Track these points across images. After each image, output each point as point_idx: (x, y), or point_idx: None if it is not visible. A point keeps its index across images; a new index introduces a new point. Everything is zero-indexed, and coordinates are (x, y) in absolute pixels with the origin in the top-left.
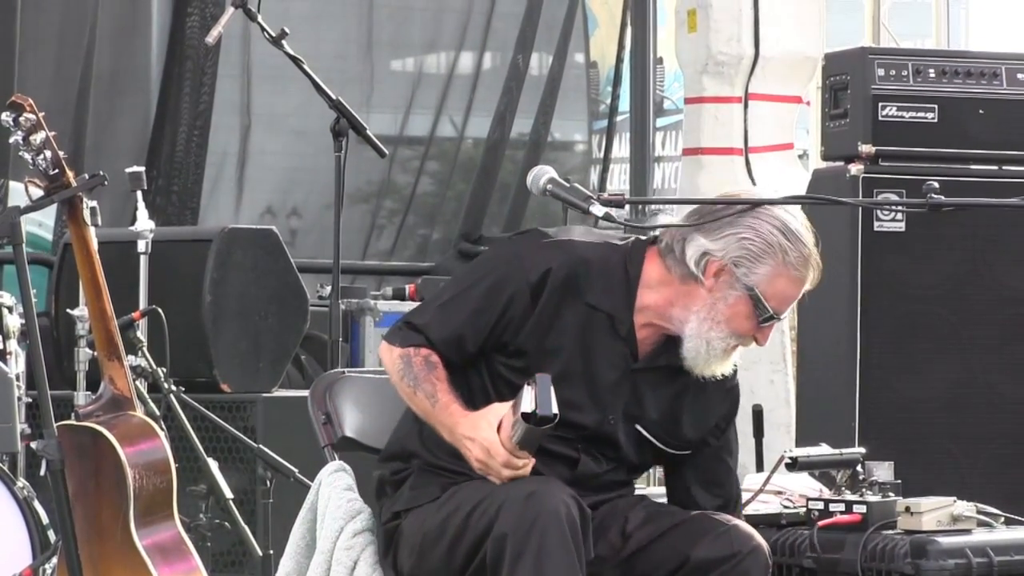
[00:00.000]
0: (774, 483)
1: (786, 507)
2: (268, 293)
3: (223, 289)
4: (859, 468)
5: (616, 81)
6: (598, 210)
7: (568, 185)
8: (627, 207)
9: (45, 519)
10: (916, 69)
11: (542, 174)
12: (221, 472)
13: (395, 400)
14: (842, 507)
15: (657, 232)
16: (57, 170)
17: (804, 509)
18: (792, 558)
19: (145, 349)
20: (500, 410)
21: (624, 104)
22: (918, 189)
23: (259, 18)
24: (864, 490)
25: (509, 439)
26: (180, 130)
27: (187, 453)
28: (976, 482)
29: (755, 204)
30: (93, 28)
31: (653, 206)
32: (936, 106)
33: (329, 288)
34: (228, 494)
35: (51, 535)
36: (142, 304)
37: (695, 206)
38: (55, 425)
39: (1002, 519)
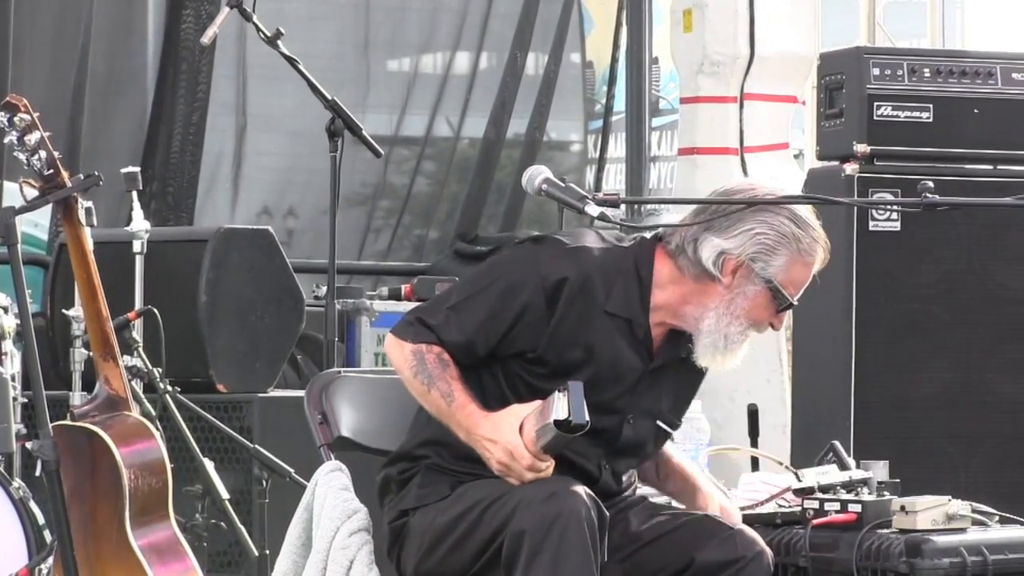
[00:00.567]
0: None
1: (781, 506)
2: (264, 293)
3: (219, 289)
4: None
5: (612, 81)
6: (593, 210)
7: (563, 185)
8: (622, 207)
9: (41, 519)
10: (911, 69)
11: (538, 174)
12: (217, 472)
13: (391, 400)
14: (837, 506)
15: (662, 231)
16: (52, 170)
17: (800, 508)
18: (787, 557)
19: (141, 349)
20: (521, 412)
21: (620, 104)
22: (913, 189)
23: (254, 18)
24: (859, 489)
25: (533, 443)
26: (175, 130)
27: (183, 453)
28: (971, 481)
29: (749, 204)
30: (88, 28)
31: (649, 205)
32: (931, 106)
33: (325, 288)
34: (224, 494)
35: (47, 535)
36: (138, 304)
37: (699, 206)
38: (51, 425)
39: (997, 518)
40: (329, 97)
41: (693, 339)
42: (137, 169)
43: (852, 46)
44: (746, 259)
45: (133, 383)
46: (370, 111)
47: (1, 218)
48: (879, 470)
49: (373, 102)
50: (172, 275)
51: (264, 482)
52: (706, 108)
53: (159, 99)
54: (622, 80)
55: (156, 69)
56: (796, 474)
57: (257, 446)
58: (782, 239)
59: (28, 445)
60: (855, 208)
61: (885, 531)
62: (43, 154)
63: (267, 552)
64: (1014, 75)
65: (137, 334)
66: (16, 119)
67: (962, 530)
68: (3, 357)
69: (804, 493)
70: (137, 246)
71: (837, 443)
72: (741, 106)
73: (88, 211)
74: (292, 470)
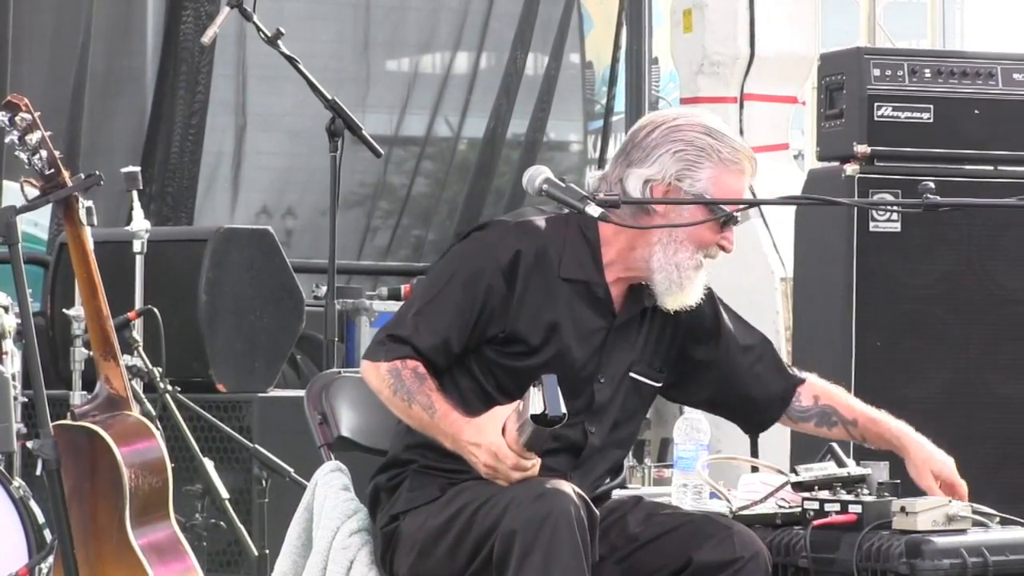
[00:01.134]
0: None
1: (781, 507)
2: (264, 293)
3: (219, 289)
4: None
5: (612, 81)
6: (594, 210)
7: (564, 185)
8: (623, 207)
9: (41, 519)
10: (912, 69)
11: (538, 174)
12: (217, 472)
13: None
14: (837, 507)
15: (591, 189)
16: (53, 170)
17: (800, 509)
18: (787, 558)
19: (141, 349)
20: (502, 413)
21: (620, 104)
22: (913, 189)
23: (255, 18)
24: (859, 490)
25: (516, 441)
26: (175, 130)
27: (183, 453)
28: (971, 482)
29: (751, 204)
30: (88, 27)
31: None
32: (931, 106)
33: (325, 288)
34: (224, 494)
35: (47, 535)
36: (138, 304)
37: (618, 150)
38: (51, 425)
39: (997, 519)
40: (329, 97)
41: (650, 284)
42: (137, 169)
43: (852, 46)
44: (671, 180)
45: (133, 382)
46: (370, 111)
47: (2, 217)
48: (879, 471)
49: (373, 102)
50: (172, 275)
51: (264, 482)
52: (706, 108)
53: (159, 99)
54: (622, 80)
55: (156, 69)
56: (794, 470)
57: (257, 446)
58: (701, 152)
59: (29, 444)
60: (855, 209)
61: (885, 532)
62: (44, 153)
63: (267, 552)
64: (1015, 76)
65: (137, 334)
66: (17, 118)
67: (962, 531)
68: (4, 356)
69: (802, 488)
70: (137, 246)
71: (835, 444)
72: (741, 106)
73: (88, 210)
74: (292, 470)
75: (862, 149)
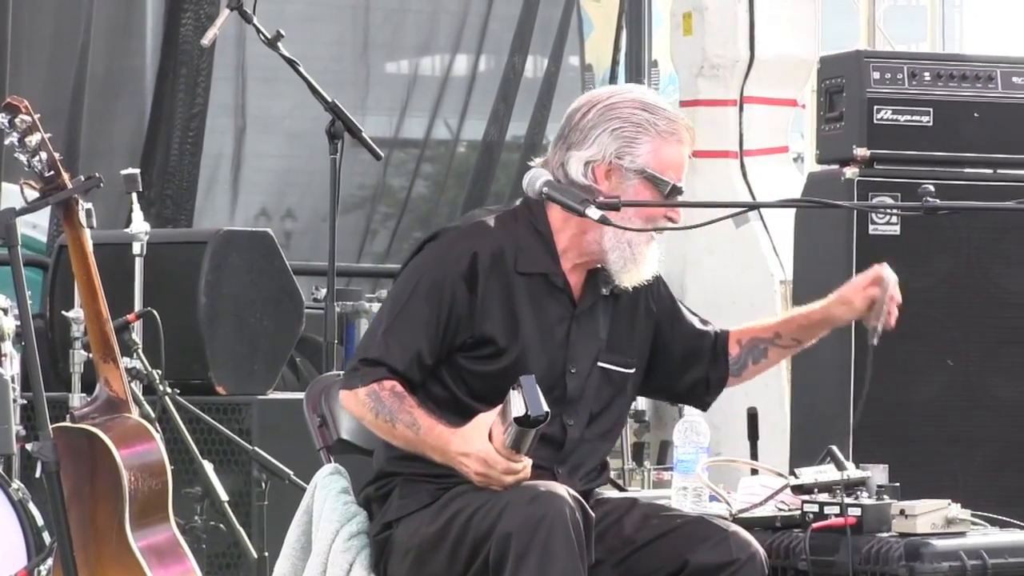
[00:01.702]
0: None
1: (781, 509)
2: (263, 295)
3: (218, 291)
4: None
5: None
6: (594, 213)
7: (565, 188)
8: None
9: (40, 521)
10: (911, 72)
11: (538, 177)
12: (216, 474)
13: None
14: (836, 510)
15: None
16: (53, 172)
17: (799, 512)
18: (787, 560)
19: (140, 351)
20: (487, 420)
21: None
22: (913, 192)
23: (255, 20)
24: (858, 493)
25: (503, 445)
26: (175, 132)
27: (182, 455)
28: (970, 485)
29: (751, 207)
30: (87, 29)
31: None
32: (931, 109)
33: (324, 290)
34: (223, 496)
35: (46, 537)
36: (137, 306)
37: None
38: (50, 427)
39: (996, 522)
40: (329, 99)
41: (605, 265)
42: (137, 171)
43: (852, 50)
44: (612, 158)
45: (133, 385)
46: (369, 113)
47: (2, 219)
48: (879, 474)
49: (372, 104)
50: (172, 277)
51: (263, 484)
52: (706, 111)
53: (158, 101)
54: (622, 83)
55: (155, 71)
56: (793, 473)
57: (256, 448)
58: (639, 127)
59: (28, 446)
60: (855, 212)
61: (884, 535)
62: (44, 156)
63: (266, 554)
64: (1014, 79)
65: (137, 336)
66: (17, 120)
67: (961, 534)
68: (3, 358)
69: (802, 491)
70: (137, 248)
71: (835, 447)
72: (741, 109)
73: (88, 212)
74: (291, 472)
75: (862, 152)
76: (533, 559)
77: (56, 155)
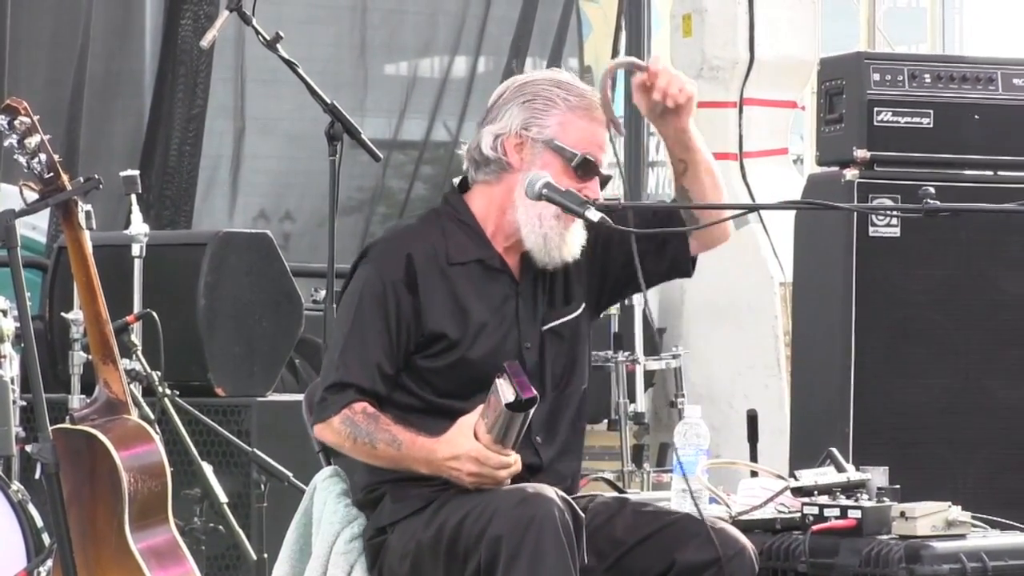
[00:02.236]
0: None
1: (781, 512)
2: (262, 297)
3: (217, 293)
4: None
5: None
6: (594, 215)
7: (564, 190)
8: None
9: (40, 523)
10: (911, 74)
11: (538, 178)
12: (215, 476)
13: None
14: (837, 512)
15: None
16: (52, 173)
17: (799, 514)
18: (787, 563)
19: (139, 353)
20: (469, 421)
21: (619, 108)
22: (913, 194)
23: (254, 21)
24: (859, 495)
25: (491, 441)
26: (174, 133)
27: (181, 457)
28: (971, 487)
29: (751, 209)
30: (86, 30)
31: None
32: (931, 111)
33: (323, 292)
34: (222, 498)
35: (46, 539)
36: (136, 308)
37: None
38: (50, 429)
39: (997, 524)
40: (328, 101)
41: (524, 244)
42: (136, 172)
43: (852, 51)
44: (520, 130)
45: (132, 386)
46: (368, 115)
47: (1, 221)
48: (879, 476)
49: (371, 106)
50: (171, 279)
51: (262, 486)
52: (705, 113)
53: (157, 102)
54: (621, 85)
55: (154, 72)
56: (793, 475)
57: (255, 450)
58: (548, 100)
59: (27, 448)
60: (855, 214)
61: (885, 537)
62: (43, 157)
63: (265, 556)
64: (1015, 81)
65: (136, 337)
66: (16, 122)
67: (962, 536)
68: (2, 360)
69: (802, 493)
70: (136, 249)
71: (835, 450)
72: (740, 111)
73: (87, 214)
74: (290, 474)
75: (862, 154)
76: (524, 561)
77: (55, 156)
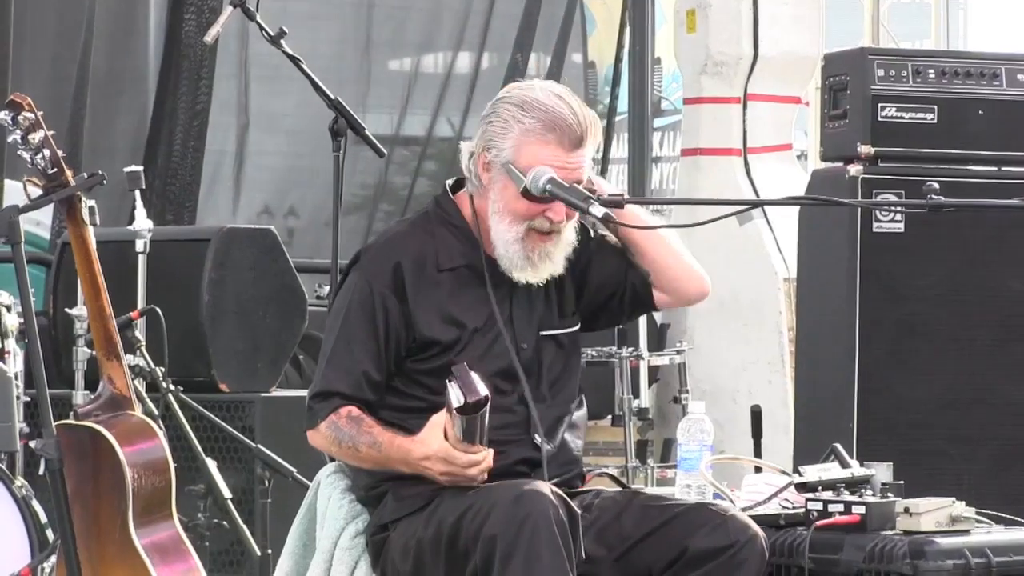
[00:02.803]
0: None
1: (785, 507)
2: (266, 293)
3: (221, 289)
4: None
5: (614, 81)
6: (597, 211)
7: (567, 185)
8: (626, 207)
9: (44, 518)
10: (916, 70)
11: (542, 174)
12: (219, 472)
13: None
14: (841, 508)
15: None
16: (56, 169)
17: (803, 509)
18: (790, 558)
19: (143, 348)
20: (439, 419)
21: (622, 104)
22: (917, 190)
23: (257, 17)
24: (863, 491)
25: (458, 440)
26: (177, 129)
27: (185, 453)
28: (975, 482)
29: (755, 205)
30: (90, 26)
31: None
32: (935, 107)
33: (327, 288)
34: (226, 494)
35: (50, 534)
36: (140, 303)
37: None
38: (54, 424)
39: (1001, 520)
40: (332, 96)
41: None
42: (140, 168)
43: (856, 47)
44: (483, 151)
45: (136, 382)
46: (371, 111)
47: (5, 217)
48: (883, 472)
49: (374, 102)
50: (174, 274)
51: (266, 482)
52: (709, 109)
53: (161, 98)
54: (625, 81)
55: (158, 68)
56: (797, 471)
57: (259, 446)
58: (506, 124)
59: (31, 444)
60: (859, 209)
61: (889, 533)
62: (47, 153)
63: (269, 552)
64: (1019, 76)
65: (140, 333)
66: (20, 118)
67: (966, 532)
68: (6, 356)
69: (806, 489)
70: (140, 245)
71: (839, 445)
72: (744, 107)
73: (91, 210)
74: (294, 470)
75: (866, 150)
76: (518, 561)
77: (59, 152)
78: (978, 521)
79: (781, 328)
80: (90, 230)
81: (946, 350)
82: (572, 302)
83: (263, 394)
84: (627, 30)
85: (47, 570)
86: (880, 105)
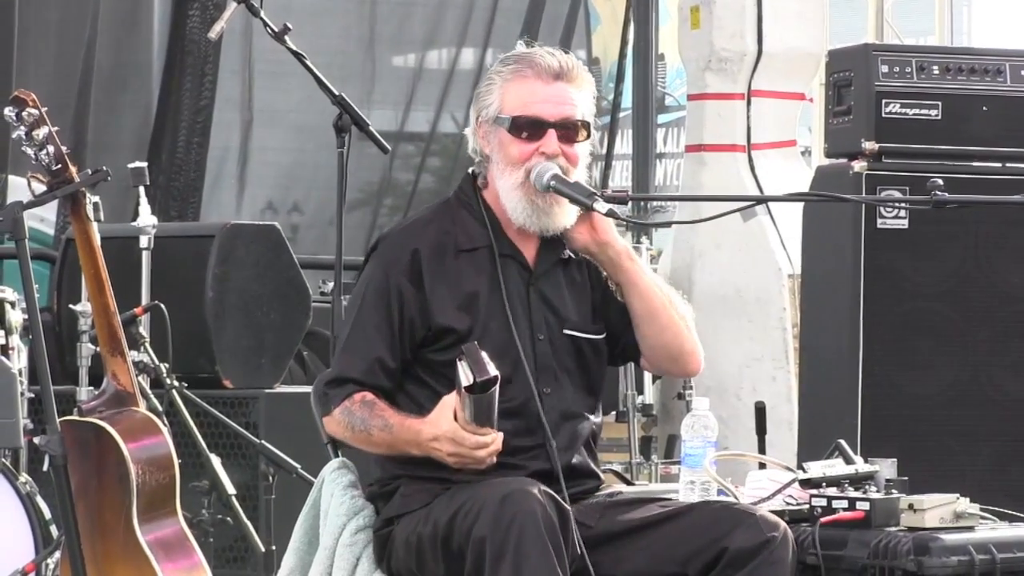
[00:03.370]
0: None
1: (789, 504)
2: (270, 289)
3: (225, 285)
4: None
5: (618, 78)
6: (602, 207)
7: (572, 181)
8: (630, 203)
9: (48, 514)
10: (920, 66)
11: (546, 170)
12: (223, 468)
13: None
14: (845, 504)
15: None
16: (60, 165)
17: (807, 506)
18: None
19: (148, 345)
20: (450, 401)
21: (627, 100)
22: (921, 186)
23: (262, 13)
24: (867, 487)
25: (467, 421)
26: (181, 125)
27: (189, 449)
28: (979, 479)
29: (759, 201)
30: (94, 22)
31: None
32: (939, 103)
33: (331, 284)
34: (230, 490)
35: (54, 531)
36: (144, 300)
37: None
38: (58, 421)
39: (1005, 516)
40: (336, 92)
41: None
42: (144, 164)
43: (860, 43)
44: (476, 121)
45: (140, 378)
46: (375, 107)
47: (9, 213)
48: (887, 468)
49: (378, 98)
50: (179, 271)
51: (270, 478)
52: (713, 105)
53: (165, 94)
54: (629, 77)
55: (162, 64)
56: (802, 467)
57: (263, 442)
58: (489, 82)
59: (35, 440)
60: (863, 206)
61: (893, 529)
62: (51, 149)
63: (273, 548)
64: (1023, 72)
65: (144, 329)
66: (24, 114)
67: (970, 528)
68: (10, 352)
69: (810, 485)
70: (144, 241)
71: (843, 441)
72: (748, 103)
73: (95, 206)
74: (298, 466)
75: (870, 146)
76: (507, 562)
77: (63, 148)
78: (982, 517)
79: (785, 324)
80: (94, 226)
81: (950, 346)
82: (594, 308)
83: (267, 390)
84: (631, 26)
85: (51, 566)
86: (884, 101)
